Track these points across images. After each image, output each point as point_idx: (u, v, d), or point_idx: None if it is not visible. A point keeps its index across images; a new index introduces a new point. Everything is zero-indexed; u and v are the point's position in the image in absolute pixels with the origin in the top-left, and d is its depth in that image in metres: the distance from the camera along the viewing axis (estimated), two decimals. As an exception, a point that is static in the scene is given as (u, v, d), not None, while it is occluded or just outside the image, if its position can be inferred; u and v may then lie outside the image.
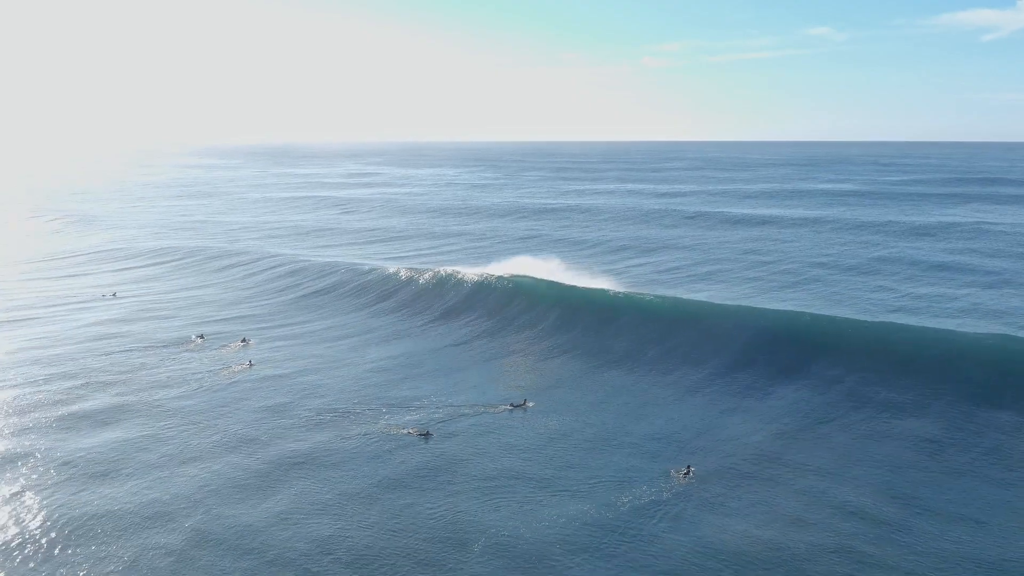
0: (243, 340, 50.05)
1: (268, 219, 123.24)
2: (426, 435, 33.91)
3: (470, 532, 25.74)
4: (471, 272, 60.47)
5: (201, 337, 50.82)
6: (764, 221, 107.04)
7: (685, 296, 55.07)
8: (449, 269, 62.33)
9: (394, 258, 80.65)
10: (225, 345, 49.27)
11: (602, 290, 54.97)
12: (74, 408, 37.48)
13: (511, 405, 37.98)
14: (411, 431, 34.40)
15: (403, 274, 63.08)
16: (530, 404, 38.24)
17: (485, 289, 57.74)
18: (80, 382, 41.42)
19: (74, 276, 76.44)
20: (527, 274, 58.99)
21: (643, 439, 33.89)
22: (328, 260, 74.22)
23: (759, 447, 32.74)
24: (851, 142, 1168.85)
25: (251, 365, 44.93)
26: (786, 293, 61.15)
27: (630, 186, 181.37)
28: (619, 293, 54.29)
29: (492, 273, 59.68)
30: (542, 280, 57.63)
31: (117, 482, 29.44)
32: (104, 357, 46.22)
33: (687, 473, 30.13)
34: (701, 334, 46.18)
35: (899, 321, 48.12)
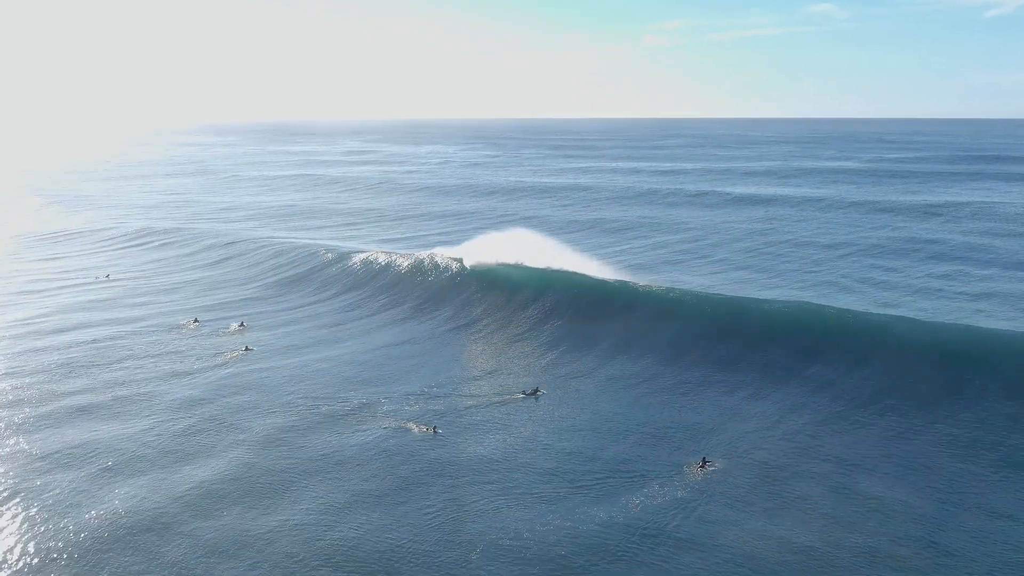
0: (240, 324, 48.59)
1: (263, 199, 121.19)
2: (435, 431, 32.42)
3: (485, 533, 24.26)
4: (468, 255, 57.89)
5: (195, 321, 49.31)
6: (767, 200, 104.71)
7: (686, 285, 52.26)
8: (447, 253, 59.95)
9: (390, 240, 78.72)
10: (221, 330, 47.70)
11: (603, 280, 52.14)
12: (60, 401, 35.66)
13: (523, 393, 36.78)
14: (421, 427, 32.82)
15: (399, 260, 60.70)
16: (542, 391, 37.07)
17: (483, 276, 55.23)
18: (67, 370, 39.74)
19: (62, 257, 74.68)
20: (521, 261, 55.90)
21: (657, 430, 32.38)
22: (323, 243, 72.32)
23: (785, 438, 31.04)
24: (854, 119, 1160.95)
25: (247, 351, 43.36)
26: (794, 278, 58.91)
27: (631, 164, 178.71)
28: (626, 282, 51.75)
29: (484, 261, 56.80)
30: (536, 268, 54.33)
31: (107, 481, 27.77)
32: (93, 344, 44.47)
33: (703, 466, 28.75)
34: (707, 323, 44.04)
35: (917, 314, 45.36)
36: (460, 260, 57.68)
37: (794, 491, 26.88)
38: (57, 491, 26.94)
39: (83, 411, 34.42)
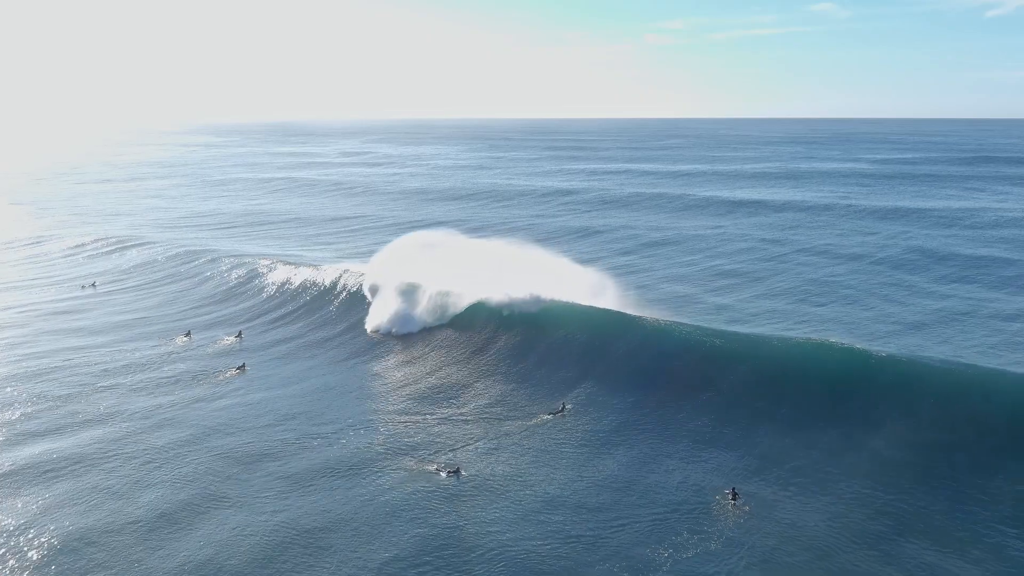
0: (238, 335, 46.74)
1: (253, 205, 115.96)
2: (456, 472, 28.80)
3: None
4: (369, 277, 52.57)
5: (188, 335, 46.90)
6: (772, 207, 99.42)
7: (685, 319, 44.65)
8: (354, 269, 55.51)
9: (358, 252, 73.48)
10: (215, 342, 45.93)
11: (608, 310, 45.63)
12: (33, 423, 33.38)
13: (551, 414, 34.62)
14: (440, 470, 29.11)
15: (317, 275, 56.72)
16: (569, 407, 35.28)
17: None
18: (42, 389, 36.90)
19: (44, 264, 70.27)
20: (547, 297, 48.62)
21: (682, 463, 29.31)
22: (316, 255, 67.57)
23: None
24: (857, 119, 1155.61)
25: (243, 370, 40.58)
26: (806, 308, 52.12)
27: (631, 166, 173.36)
28: (634, 316, 44.69)
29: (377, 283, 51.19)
30: (557, 301, 47.37)
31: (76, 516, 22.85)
32: (76, 357, 42.15)
33: (734, 498, 26.65)
34: (703, 362, 38.77)
35: (930, 353, 38.82)
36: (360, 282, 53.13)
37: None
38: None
39: (49, 433, 30.43)
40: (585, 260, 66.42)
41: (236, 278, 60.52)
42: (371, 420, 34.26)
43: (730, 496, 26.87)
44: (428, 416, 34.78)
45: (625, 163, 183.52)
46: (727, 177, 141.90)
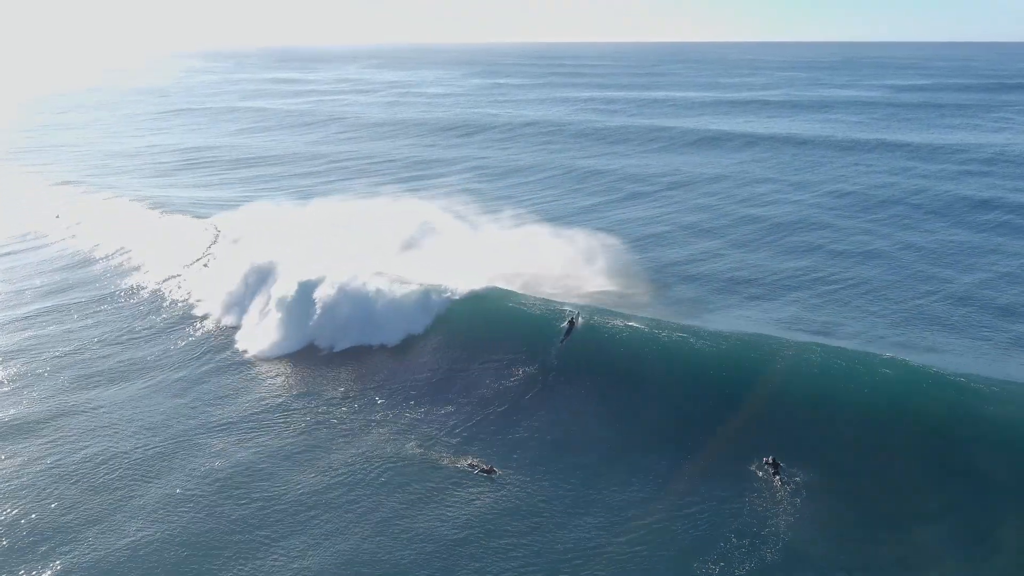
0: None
1: (208, 140, 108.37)
2: (490, 471, 26.59)
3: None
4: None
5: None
6: (793, 142, 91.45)
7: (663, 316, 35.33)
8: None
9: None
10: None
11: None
12: None
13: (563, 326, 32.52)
14: (475, 466, 26.94)
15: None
16: (580, 320, 32.84)
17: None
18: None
19: None
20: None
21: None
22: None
23: None
24: (871, 43, 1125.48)
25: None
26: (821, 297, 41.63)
27: (638, 94, 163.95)
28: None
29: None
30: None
31: None
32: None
33: (775, 471, 24.55)
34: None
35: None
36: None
37: None
38: None
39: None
40: (584, 210, 59.85)
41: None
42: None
43: (770, 468, 24.51)
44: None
45: (632, 91, 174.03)
46: (740, 107, 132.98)
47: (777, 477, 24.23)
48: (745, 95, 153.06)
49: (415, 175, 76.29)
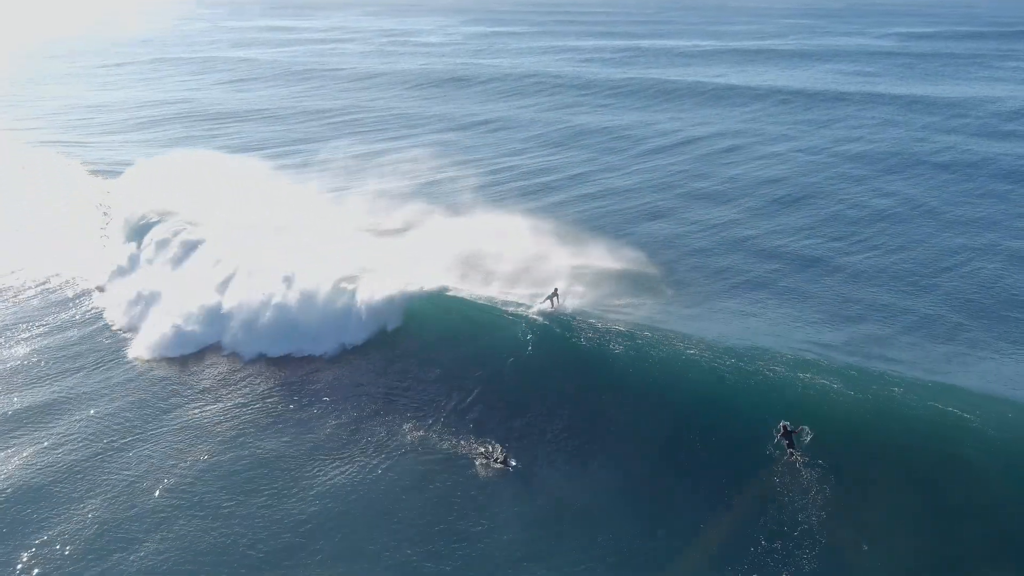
0: None
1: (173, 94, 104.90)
2: (505, 461, 25.58)
3: None
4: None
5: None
6: (804, 96, 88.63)
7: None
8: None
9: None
10: None
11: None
12: None
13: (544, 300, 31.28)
14: (491, 451, 26.01)
15: None
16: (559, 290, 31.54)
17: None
18: None
19: None
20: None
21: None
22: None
23: None
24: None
25: None
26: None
27: (632, 43, 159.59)
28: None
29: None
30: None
31: None
32: None
33: (789, 443, 22.27)
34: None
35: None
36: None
37: None
38: None
39: None
40: (577, 173, 57.64)
41: None
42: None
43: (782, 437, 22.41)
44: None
45: (632, 40, 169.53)
46: (745, 57, 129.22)
47: (792, 451, 22.52)
48: (748, 44, 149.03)
49: (399, 134, 73.46)
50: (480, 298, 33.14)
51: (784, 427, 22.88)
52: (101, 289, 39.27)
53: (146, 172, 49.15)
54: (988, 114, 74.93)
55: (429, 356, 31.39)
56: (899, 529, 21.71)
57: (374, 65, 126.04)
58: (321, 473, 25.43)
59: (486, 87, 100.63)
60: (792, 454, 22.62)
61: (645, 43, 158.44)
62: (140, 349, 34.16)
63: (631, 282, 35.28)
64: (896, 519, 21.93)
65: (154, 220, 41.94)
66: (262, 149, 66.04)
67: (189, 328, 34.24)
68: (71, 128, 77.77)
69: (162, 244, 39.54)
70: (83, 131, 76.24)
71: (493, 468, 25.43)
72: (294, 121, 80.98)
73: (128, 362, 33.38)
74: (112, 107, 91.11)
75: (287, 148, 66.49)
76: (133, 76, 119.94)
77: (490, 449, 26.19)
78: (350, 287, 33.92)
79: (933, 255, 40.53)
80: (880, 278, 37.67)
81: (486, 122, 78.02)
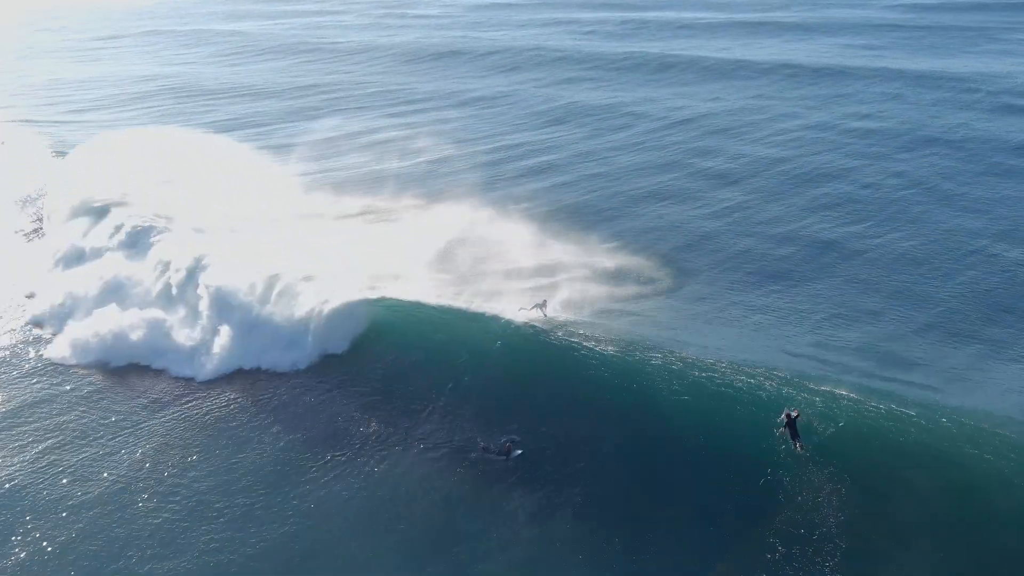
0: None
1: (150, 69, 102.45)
2: (507, 454, 24.46)
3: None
4: None
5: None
6: (809, 71, 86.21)
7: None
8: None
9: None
10: None
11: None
12: None
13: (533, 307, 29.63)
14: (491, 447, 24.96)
15: None
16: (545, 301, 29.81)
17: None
18: None
19: None
20: None
21: None
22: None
23: None
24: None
25: None
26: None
27: (635, 15, 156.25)
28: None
29: None
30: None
31: None
32: None
33: (793, 432, 21.30)
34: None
35: None
36: None
37: None
38: None
39: None
40: (582, 150, 55.58)
41: None
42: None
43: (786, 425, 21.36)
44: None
45: (635, 11, 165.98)
46: (748, 30, 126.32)
47: (796, 443, 21.48)
48: (751, 16, 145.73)
49: (396, 111, 71.39)
50: (455, 305, 31.21)
51: (788, 415, 21.83)
52: (31, 296, 36.62)
53: (93, 154, 45.08)
54: (999, 89, 72.66)
55: (406, 367, 29.68)
56: (919, 538, 20.58)
57: (371, 38, 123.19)
58: (299, 487, 24.19)
59: (484, 60, 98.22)
60: (796, 445, 21.66)
61: (649, 15, 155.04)
62: (64, 352, 31.86)
63: (631, 278, 33.80)
64: (916, 528, 20.76)
65: (97, 206, 39.16)
66: (248, 128, 64.28)
67: (119, 336, 31.78)
68: (54, 104, 75.68)
69: (99, 237, 36.88)
70: (65, 107, 74.17)
71: (490, 468, 24.29)
72: (288, 97, 78.93)
73: (59, 369, 31.27)
74: (103, 82, 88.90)
75: (273, 127, 64.52)
76: (126, 50, 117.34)
77: (492, 445, 25.15)
78: (321, 301, 31.31)
79: (952, 241, 38.95)
80: (897, 264, 36.17)
81: (483, 98, 75.93)
